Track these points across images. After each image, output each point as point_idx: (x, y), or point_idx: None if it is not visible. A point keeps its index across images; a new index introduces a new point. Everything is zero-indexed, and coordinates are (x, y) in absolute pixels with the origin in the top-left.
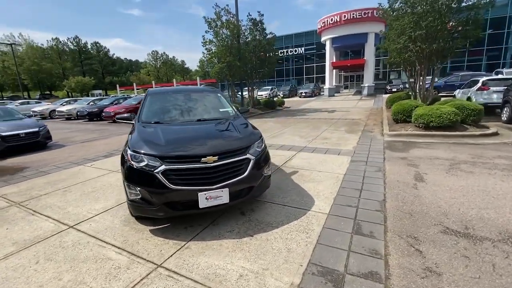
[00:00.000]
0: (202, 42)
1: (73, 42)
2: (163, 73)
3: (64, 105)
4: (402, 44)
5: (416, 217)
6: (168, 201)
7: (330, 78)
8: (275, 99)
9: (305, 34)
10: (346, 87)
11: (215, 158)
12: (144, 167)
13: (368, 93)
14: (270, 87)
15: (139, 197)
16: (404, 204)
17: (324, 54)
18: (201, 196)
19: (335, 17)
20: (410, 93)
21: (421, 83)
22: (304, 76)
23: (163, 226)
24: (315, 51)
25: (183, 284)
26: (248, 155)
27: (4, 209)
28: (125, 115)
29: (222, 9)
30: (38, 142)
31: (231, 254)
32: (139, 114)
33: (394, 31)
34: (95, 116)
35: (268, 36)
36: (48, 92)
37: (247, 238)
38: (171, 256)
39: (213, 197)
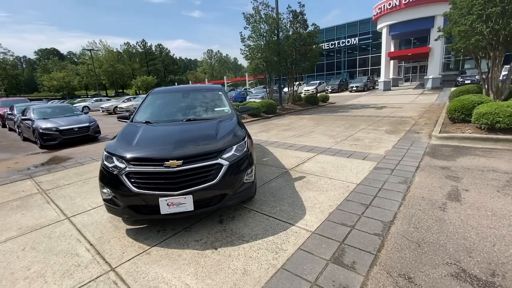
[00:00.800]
0: (240, 39)
1: (141, 45)
2: (217, 70)
3: (124, 102)
4: (469, 25)
5: (424, 250)
6: (132, 204)
7: (386, 70)
8: (318, 94)
9: (359, 23)
10: (407, 80)
11: (179, 162)
12: (113, 168)
13: (433, 86)
14: (317, 81)
15: (109, 197)
16: (416, 229)
17: (381, 43)
18: (162, 202)
19: (394, 1)
20: (483, 86)
21: (493, 74)
22: (358, 69)
23: (140, 226)
24: (370, 40)
25: None
26: (220, 160)
27: (31, 195)
28: (125, 114)
29: (260, 3)
30: (88, 135)
31: (183, 268)
32: (134, 113)
33: (458, 10)
34: None
35: (310, 28)
36: (121, 90)
37: (210, 250)
38: (128, 260)
39: (175, 203)
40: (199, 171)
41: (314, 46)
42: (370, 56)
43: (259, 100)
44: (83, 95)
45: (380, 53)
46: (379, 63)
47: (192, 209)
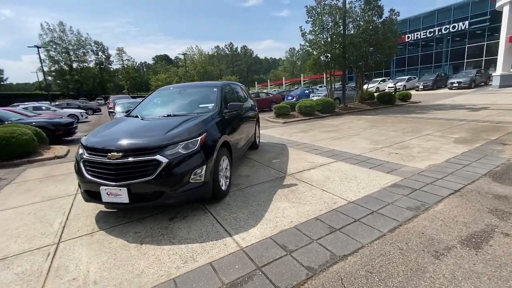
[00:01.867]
0: (301, 33)
1: (228, 47)
2: (298, 68)
3: None
4: None
5: None
6: (86, 189)
7: (506, 60)
8: (399, 92)
9: (471, 3)
10: None
11: (119, 155)
12: (78, 155)
13: None
14: (406, 77)
15: (78, 181)
16: (368, 276)
17: (499, 27)
18: (103, 191)
19: None
20: None
21: None
22: (465, 61)
23: (112, 210)
24: (487, 23)
25: (37, 268)
26: (158, 156)
27: (70, 174)
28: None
29: None
30: None
31: (100, 255)
32: (133, 108)
33: None
34: None
35: (386, 15)
36: None
37: (135, 244)
38: (74, 238)
39: (113, 193)
40: (136, 165)
41: (390, 35)
42: (485, 43)
43: (316, 98)
44: None
45: (498, 39)
46: (495, 53)
47: (128, 201)
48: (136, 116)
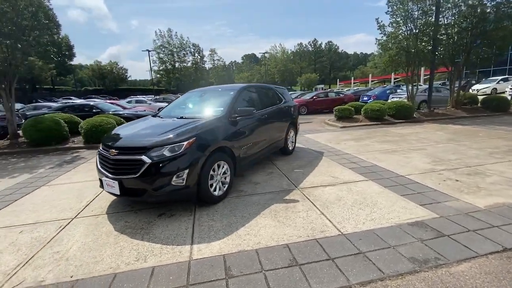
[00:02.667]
0: (377, 26)
1: (311, 44)
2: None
3: None
4: None
5: None
6: (99, 178)
7: None
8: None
9: None
10: None
11: (116, 152)
12: (99, 148)
13: None
14: (498, 77)
15: None
16: None
17: None
18: (104, 181)
19: None
20: None
21: None
22: None
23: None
24: None
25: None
26: (143, 157)
27: None
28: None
29: None
30: None
31: (82, 236)
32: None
33: None
34: None
35: None
36: (289, 87)
37: (116, 233)
38: (86, 216)
39: (110, 185)
40: (126, 163)
41: (508, 23)
42: None
43: (396, 100)
44: None
45: None
46: None
47: (119, 193)
48: (158, 116)
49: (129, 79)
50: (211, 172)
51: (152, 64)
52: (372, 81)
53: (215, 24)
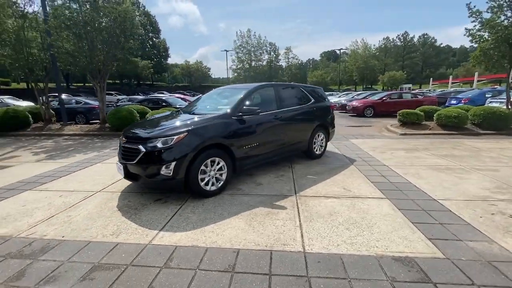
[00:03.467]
0: (468, 13)
1: (401, 38)
2: None
3: (340, 96)
4: None
5: None
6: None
7: None
8: None
9: None
10: None
11: (124, 140)
12: None
13: None
14: None
15: None
16: None
17: None
18: (117, 164)
19: None
20: None
21: None
22: None
23: None
24: None
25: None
26: (140, 146)
27: None
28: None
29: None
30: None
31: (94, 207)
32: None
33: None
34: (342, 108)
35: None
36: (369, 86)
37: (116, 209)
38: (105, 192)
39: (119, 167)
40: (129, 150)
41: None
42: None
43: (488, 106)
44: (335, 90)
45: None
46: None
47: (123, 176)
48: (179, 112)
49: (214, 77)
50: (203, 167)
51: (231, 63)
52: (479, 80)
53: (297, 21)
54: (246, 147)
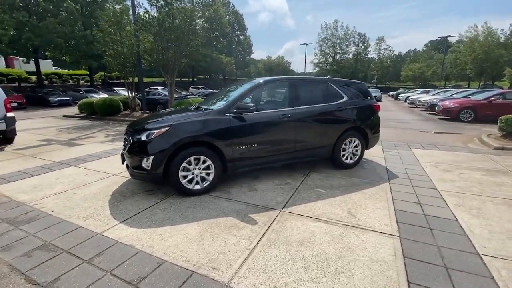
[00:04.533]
0: None
1: None
2: None
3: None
4: None
5: None
6: None
7: None
8: None
9: None
10: None
11: (131, 130)
12: None
13: None
14: None
15: None
16: None
17: None
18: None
19: None
20: None
21: None
22: None
23: None
24: None
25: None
26: (130, 137)
27: None
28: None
29: None
30: None
31: (98, 188)
32: None
33: None
34: (432, 109)
35: None
36: (490, 82)
37: (110, 195)
38: (118, 176)
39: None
40: (125, 140)
41: None
42: None
43: None
44: (441, 86)
45: None
46: None
47: (122, 163)
48: (196, 106)
49: (297, 71)
50: (185, 165)
51: (313, 57)
52: None
53: (402, 7)
54: (241, 147)
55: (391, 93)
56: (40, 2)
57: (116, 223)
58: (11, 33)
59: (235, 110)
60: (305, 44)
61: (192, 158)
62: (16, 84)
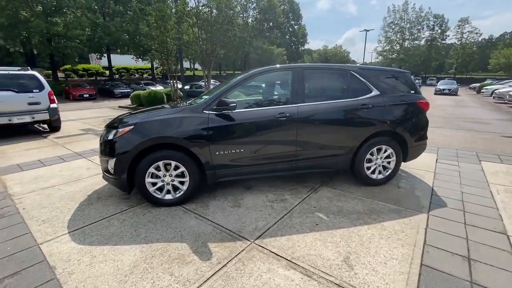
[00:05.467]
0: None
1: None
2: None
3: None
4: None
5: None
6: None
7: None
8: None
9: None
10: None
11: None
12: None
13: None
14: None
15: None
16: None
17: None
18: None
19: None
20: None
21: None
22: None
23: None
24: None
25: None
26: (104, 134)
27: None
28: None
29: None
30: None
31: (90, 183)
32: None
33: None
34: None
35: None
36: None
37: (91, 192)
38: None
39: None
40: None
41: None
42: None
43: None
44: None
45: None
46: None
47: None
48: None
49: (357, 61)
50: (152, 170)
51: (376, 45)
52: None
53: None
54: (224, 152)
55: (473, 85)
56: (111, 4)
57: (62, 234)
58: (88, 33)
59: (215, 107)
60: (365, 30)
61: (161, 163)
62: (94, 78)
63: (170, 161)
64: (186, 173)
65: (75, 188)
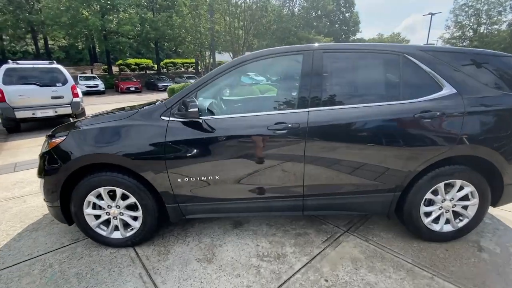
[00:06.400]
0: None
1: None
2: None
3: None
4: None
5: None
6: None
7: None
8: None
9: None
10: None
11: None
12: None
13: None
14: None
15: None
16: None
17: None
18: None
19: None
20: None
21: None
22: None
23: None
24: None
25: None
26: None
27: None
28: None
29: None
30: None
31: None
32: None
33: None
34: None
35: None
36: None
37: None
38: None
39: None
40: None
41: None
42: None
43: None
44: None
45: None
46: None
47: None
48: None
49: None
50: (93, 199)
51: (443, 31)
52: None
53: None
54: (189, 180)
55: None
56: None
57: None
58: (137, 28)
59: (177, 112)
60: (430, 14)
61: (102, 190)
62: (144, 71)
63: (115, 187)
64: (139, 206)
65: (37, 203)
